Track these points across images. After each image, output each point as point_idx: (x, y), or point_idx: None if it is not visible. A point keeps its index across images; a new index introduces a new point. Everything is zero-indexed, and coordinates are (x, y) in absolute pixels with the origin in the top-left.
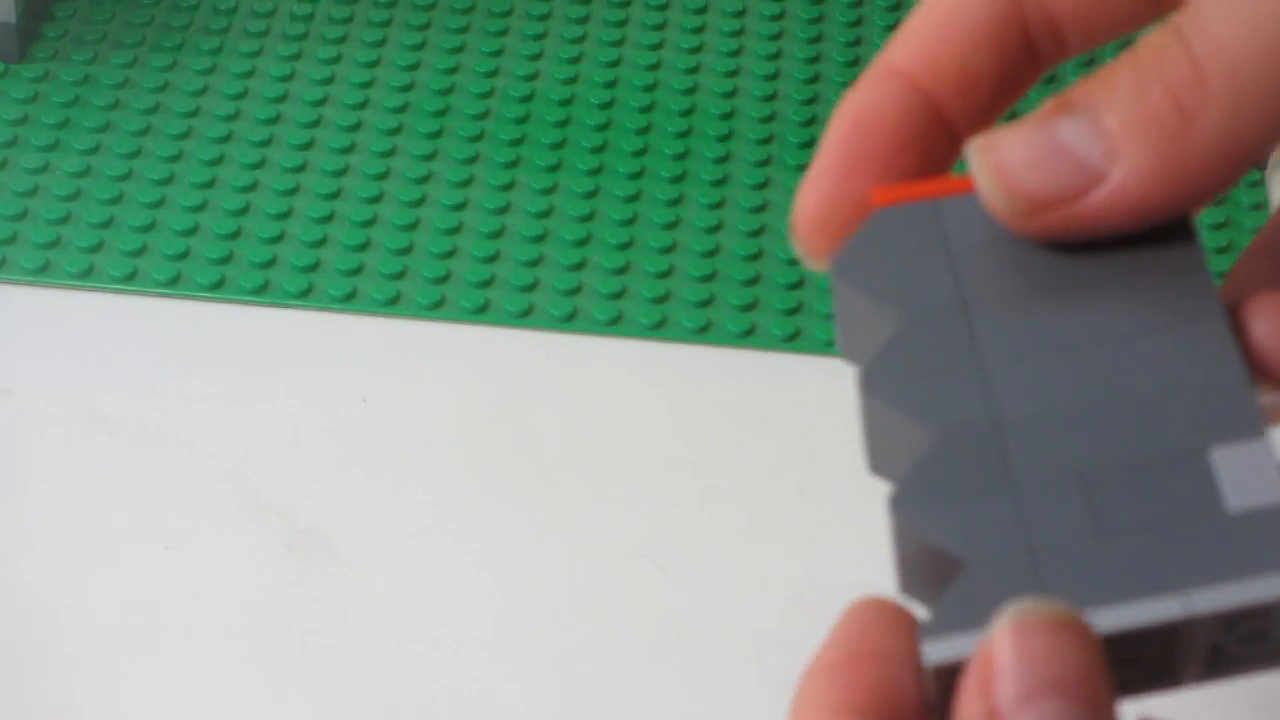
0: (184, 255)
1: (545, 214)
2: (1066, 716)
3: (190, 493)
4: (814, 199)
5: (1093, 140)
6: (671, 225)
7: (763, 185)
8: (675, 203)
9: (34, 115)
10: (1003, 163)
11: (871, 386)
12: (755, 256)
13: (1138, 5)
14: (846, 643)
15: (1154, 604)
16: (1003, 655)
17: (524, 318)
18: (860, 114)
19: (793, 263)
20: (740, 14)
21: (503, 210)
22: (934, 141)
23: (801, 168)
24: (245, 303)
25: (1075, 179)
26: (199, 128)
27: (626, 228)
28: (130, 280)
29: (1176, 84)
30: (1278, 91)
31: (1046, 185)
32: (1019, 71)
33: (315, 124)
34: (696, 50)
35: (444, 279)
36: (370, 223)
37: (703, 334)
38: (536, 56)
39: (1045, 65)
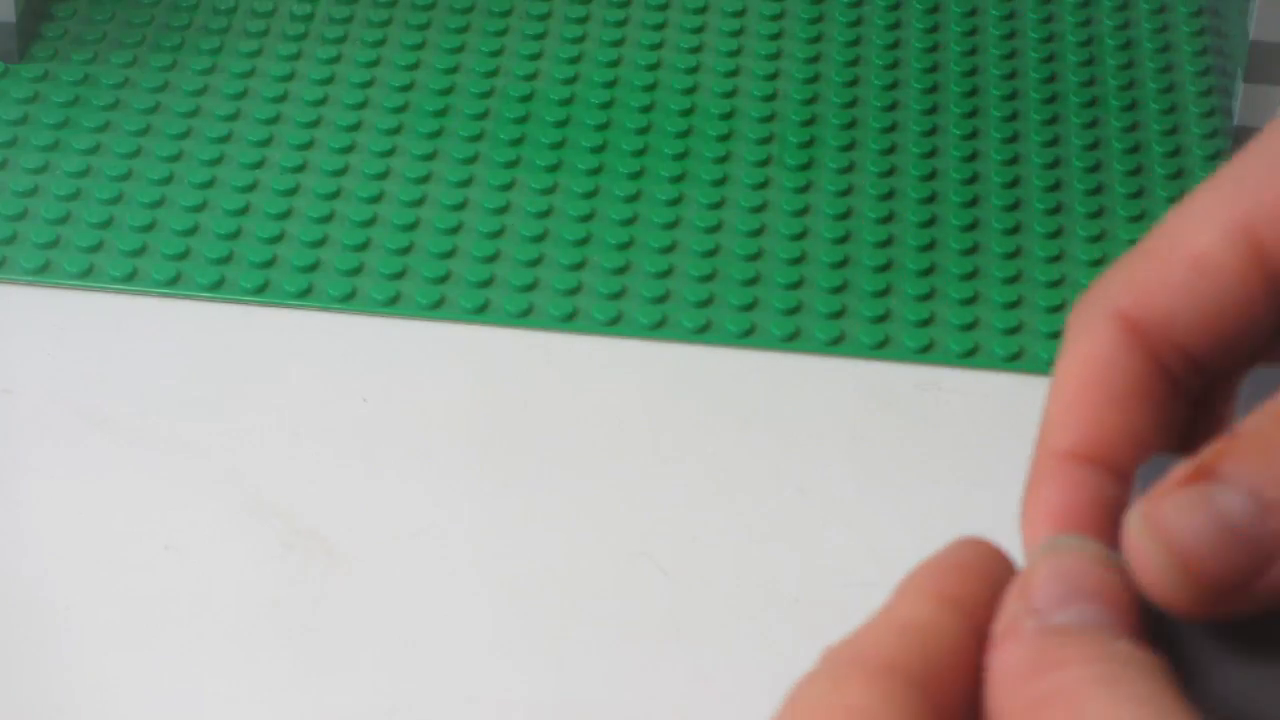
0: (184, 255)
1: (545, 214)
2: (1096, 617)
3: (190, 493)
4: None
5: (1262, 516)
6: (671, 225)
7: (763, 185)
8: (675, 203)
9: (34, 115)
10: (1176, 543)
11: None
12: (755, 256)
13: (1267, 327)
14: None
15: None
16: (1042, 569)
17: (524, 318)
18: (1057, 513)
19: (793, 262)
20: (740, 14)
21: (503, 210)
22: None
23: (802, 168)
24: (245, 303)
25: (1252, 559)
26: (199, 128)
27: (626, 228)
28: (130, 280)
29: None
30: None
31: (1225, 567)
32: (1175, 413)
33: (315, 124)
34: (696, 50)
35: (444, 279)
36: (370, 223)
37: (703, 334)
38: (536, 56)
39: (1190, 395)
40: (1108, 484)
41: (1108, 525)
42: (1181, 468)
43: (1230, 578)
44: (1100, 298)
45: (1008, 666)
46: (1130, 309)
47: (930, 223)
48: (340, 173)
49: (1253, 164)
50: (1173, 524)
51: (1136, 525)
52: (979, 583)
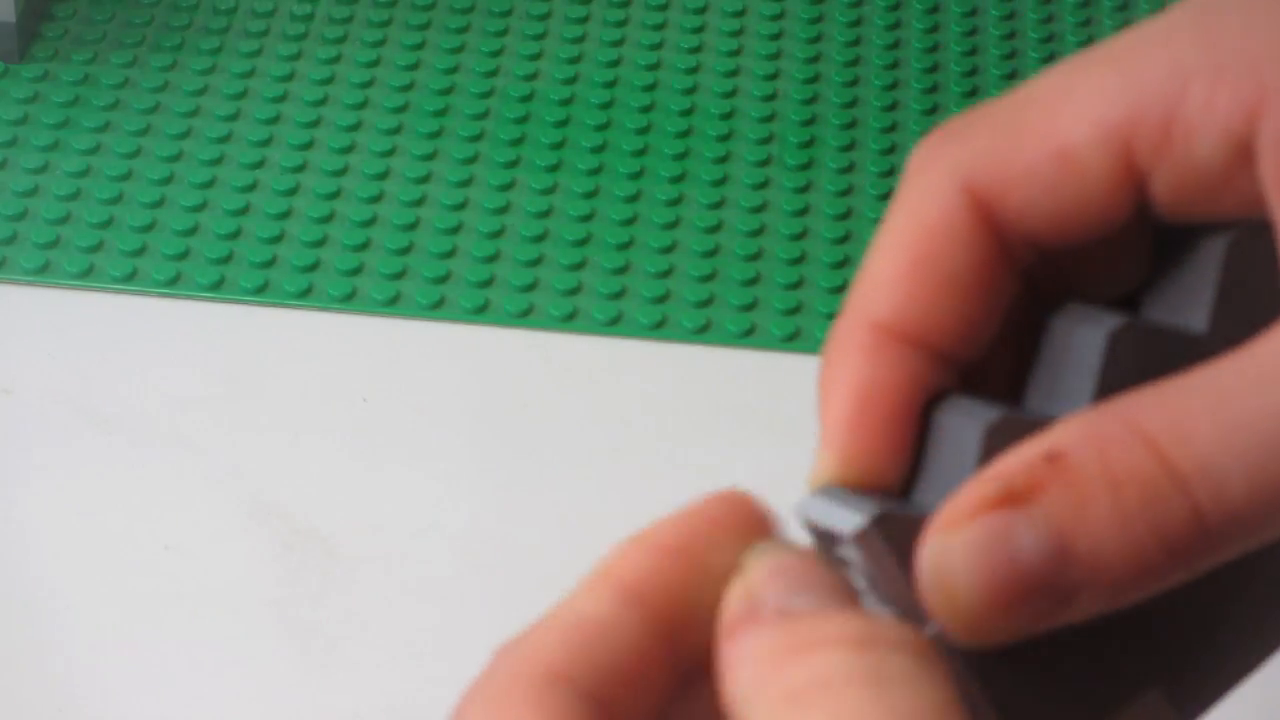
0: (184, 255)
1: (545, 214)
2: (834, 601)
3: (190, 493)
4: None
5: (1062, 566)
6: (671, 225)
7: (763, 185)
8: (675, 203)
9: (34, 115)
10: (962, 598)
11: None
12: (755, 256)
13: (1123, 235)
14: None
15: None
16: (759, 568)
17: (524, 318)
18: (862, 392)
19: (793, 262)
20: (740, 14)
21: (503, 210)
22: (939, 389)
23: (802, 168)
24: (245, 303)
25: (1041, 607)
26: (199, 128)
27: (626, 228)
28: (130, 280)
29: (1172, 534)
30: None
31: (1011, 620)
32: (1007, 289)
33: (315, 124)
34: (696, 50)
35: (444, 279)
36: (370, 223)
37: (703, 334)
38: (536, 56)
39: (1026, 278)
40: (923, 367)
41: (912, 412)
42: (991, 479)
43: (1015, 628)
44: (951, 160)
45: (752, 652)
46: (983, 187)
47: None
48: (340, 173)
49: (1143, 59)
50: (960, 575)
51: (927, 563)
52: (676, 567)
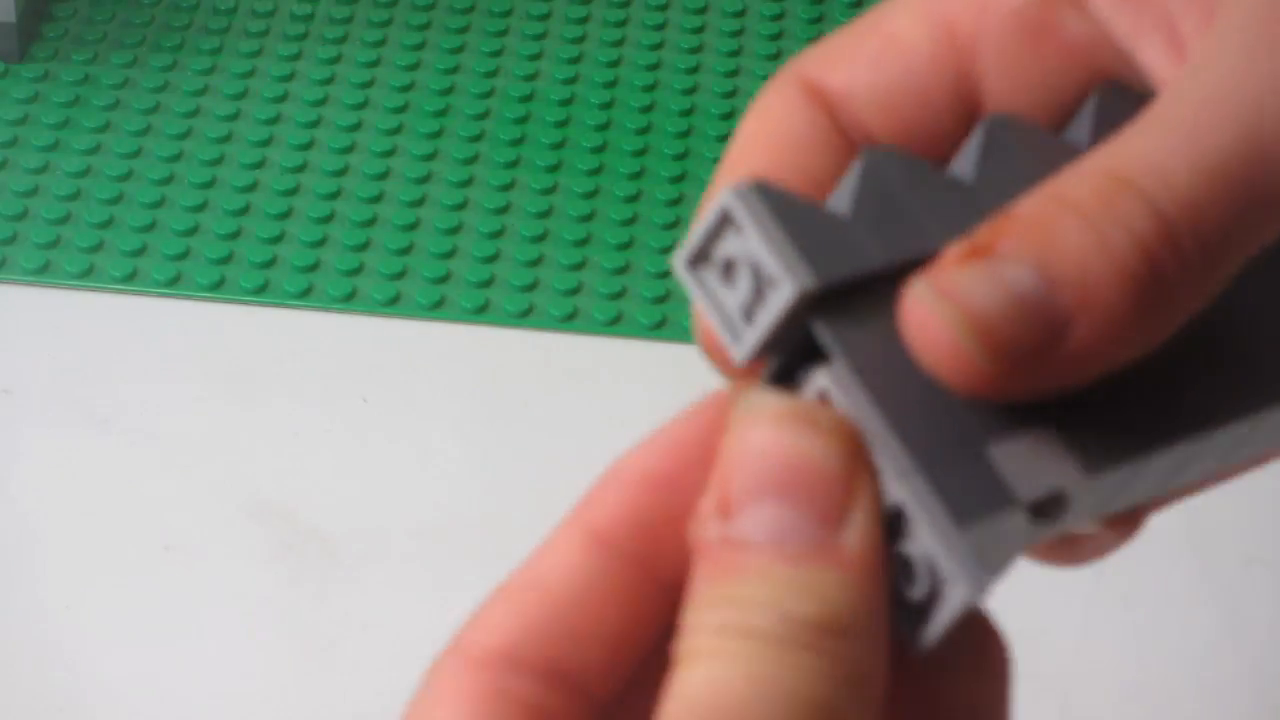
0: (184, 255)
1: (545, 214)
2: (789, 522)
3: (190, 493)
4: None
5: (1050, 290)
6: (671, 225)
7: None
8: (675, 203)
9: (34, 115)
10: (973, 309)
11: None
12: None
13: (950, 124)
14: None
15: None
16: (740, 448)
17: (524, 318)
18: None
19: None
20: (740, 14)
21: (503, 210)
22: None
23: None
24: (245, 303)
25: (1047, 329)
26: (199, 128)
27: (626, 228)
28: (130, 280)
29: (1139, 230)
30: (1244, 234)
31: (1024, 334)
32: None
33: (315, 124)
34: (696, 50)
35: (444, 279)
36: (370, 223)
37: None
38: (536, 56)
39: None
40: None
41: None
42: (955, 246)
43: (1029, 345)
44: (790, 67)
45: (695, 581)
46: (814, 76)
47: None
48: (340, 173)
49: None
50: (967, 291)
51: (925, 293)
52: (655, 501)
